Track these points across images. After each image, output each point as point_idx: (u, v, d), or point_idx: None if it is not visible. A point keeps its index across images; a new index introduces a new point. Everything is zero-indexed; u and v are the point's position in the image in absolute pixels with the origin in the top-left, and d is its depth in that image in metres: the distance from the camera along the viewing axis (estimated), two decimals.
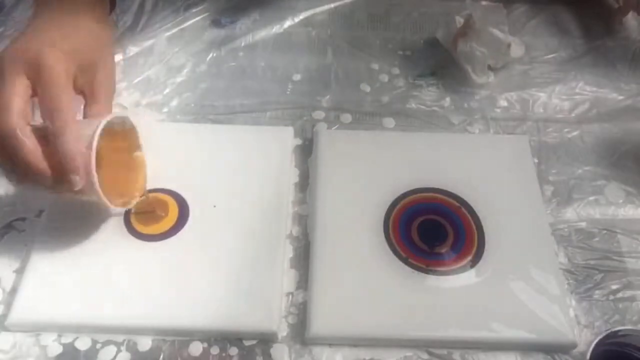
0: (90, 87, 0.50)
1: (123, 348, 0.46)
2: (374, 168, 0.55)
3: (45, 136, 0.43)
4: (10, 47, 0.47)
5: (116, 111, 0.48)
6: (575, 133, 0.61)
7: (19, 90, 0.44)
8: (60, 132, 0.43)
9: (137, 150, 0.51)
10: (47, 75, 0.44)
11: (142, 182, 0.51)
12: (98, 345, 0.46)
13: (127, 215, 0.51)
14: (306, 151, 0.58)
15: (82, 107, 0.50)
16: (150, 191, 0.52)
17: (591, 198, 0.56)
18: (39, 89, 0.44)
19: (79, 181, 0.43)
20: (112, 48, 0.57)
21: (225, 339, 0.47)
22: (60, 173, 0.43)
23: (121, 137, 0.49)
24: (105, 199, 0.45)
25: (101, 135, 0.44)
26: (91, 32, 0.51)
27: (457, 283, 0.49)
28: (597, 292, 0.50)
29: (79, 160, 0.43)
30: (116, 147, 0.49)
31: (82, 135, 0.44)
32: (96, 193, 0.44)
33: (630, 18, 0.70)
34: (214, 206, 0.52)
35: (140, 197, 0.50)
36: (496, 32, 0.62)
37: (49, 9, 0.51)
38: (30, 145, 0.43)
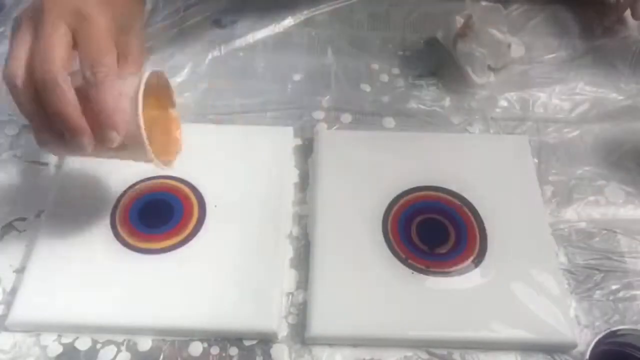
0: (125, 46, 0.48)
1: (123, 348, 0.46)
2: (374, 168, 0.55)
3: (85, 95, 0.41)
4: None
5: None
6: (575, 133, 0.61)
7: (61, 39, 0.42)
8: (101, 86, 0.41)
9: (171, 107, 0.49)
10: (90, 26, 0.42)
11: (178, 138, 0.49)
12: (98, 345, 0.46)
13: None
14: (306, 151, 0.58)
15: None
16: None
17: (591, 198, 0.56)
18: (81, 40, 0.42)
19: (116, 137, 0.41)
20: (142, 14, 0.55)
21: (225, 339, 0.47)
22: (97, 129, 0.41)
23: (155, 93, 0.47)
24: (151, 153, 0.43)
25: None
26: None
27: (458, 283, 0.49)
28: (597, 292, 0.50)
29: (119, 116, 0.41)
30: (151, 104, 0.46)
31: (124, 90, 0.42)
32: (142, 146, 0.42)
33: (629, 17, 0.70)
34: (215, 206, 0.52)
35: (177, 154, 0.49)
36: (496, 32, 0.62)
37: None
38: (72, 97, 0.40)
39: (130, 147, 0.43)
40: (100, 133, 0.41)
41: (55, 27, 0.42)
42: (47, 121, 0.41)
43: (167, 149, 0.48)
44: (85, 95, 0.41)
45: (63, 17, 0.42)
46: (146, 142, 0.42)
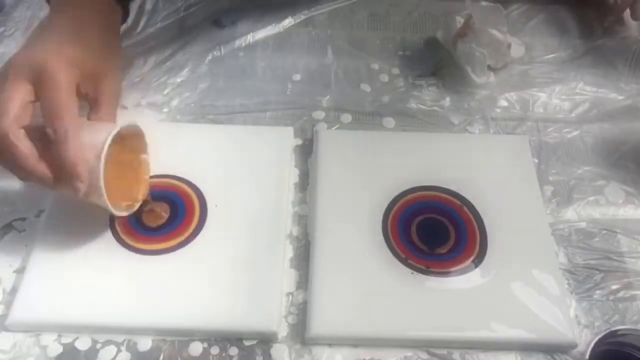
0: (94, 93, 0.50)
1: (123, 348, 0.46)
2: (374, 168, 0.55)
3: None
4: (18, 52, 0.47)
5: (127, 119, 0.48)
6: (575, 133, 0.61)
7: (18, 95, 0.44)
8: (61, 139, 0.43)
9: (143, 152, 0.51)
10: (48, 81, 0.44)
11: (146, 185, 0.51)
12: (98, 345, 0.46)
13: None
14: (306, 151, 0.58)
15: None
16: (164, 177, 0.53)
17: (591, 198, 0.56)
18: (40, 98, 0.44)
19: (81, 187, 0.44)
20: (119, 57, 0.57)
21: (225, 339, 0.47)
22: (61, 175, 0.43)
23: (128, 139, 0.49)
24: (111, 207, 0.46)
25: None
26: (99, 39, 0.51)
27: (458, 283, 0.49)
28: (597, 292, 0.50)
29: (81, 167, 0.43)
30: (121, 147, 0.48)
31: (89, 141, 0.44)
32: (103, 202, 0.45)
33: (629, 18, 0.70)
34: (215, 206, 0.52)
35: (145, 201, 0.51)
36: (495, 32, 0.62)
37: (60, 13, 0.51)
38: (24, 150, 0.43)
39: (92, 195, 0.45)
40: (65, 180, 0.44)
41: (14, 83, 0.44)
42: (13, 167, 0.44)
43: (131, 193, 0.50)
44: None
45: (24, 73, 0.44)
46: (109, 205, 0.45)
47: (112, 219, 0.51)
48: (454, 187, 0.54)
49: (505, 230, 0.52)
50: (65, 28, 0.50)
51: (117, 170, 0.48)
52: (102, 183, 0.44)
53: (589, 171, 0.58)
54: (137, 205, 0.50)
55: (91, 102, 0.51)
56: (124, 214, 0.49)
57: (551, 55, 0.68)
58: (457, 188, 0.54)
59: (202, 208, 0.52)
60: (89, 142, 0.44)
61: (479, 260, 0.50)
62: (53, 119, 0.43)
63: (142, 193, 0.51)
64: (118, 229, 0.51)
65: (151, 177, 0.53)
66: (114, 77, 0.54)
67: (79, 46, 0.48)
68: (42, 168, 0.44)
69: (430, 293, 0.48)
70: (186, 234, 0.51)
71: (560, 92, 0.64)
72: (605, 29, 0.70)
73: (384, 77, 0.65)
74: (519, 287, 0.48)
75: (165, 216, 0.51)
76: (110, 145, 0.44)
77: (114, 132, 0.45)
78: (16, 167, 0.44)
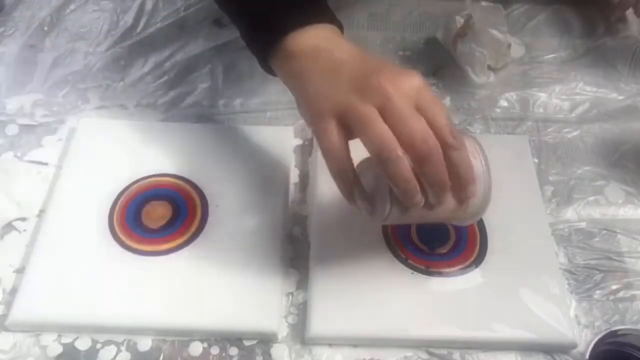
0: None
1: (123, 348, 0.46)
2: None
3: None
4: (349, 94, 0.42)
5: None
6: (575, 133, 0.61)
7: (378, 124, 0.40)
8: (461, 145, 0.41)
9: None
10: (430, 95, 0.42)
11: None
12: (98, 345, 0.46)
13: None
14: (306, 151, 0.58)
15: None
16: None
17: (591, 198, 0.56)
18: (426, 109, 0.42)
19: (476, 190, 0.43)
20: None
21: (225, 339, 0.47)
22: (456, 188, 0.42)
23: None
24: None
25: None
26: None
27: (458, 283, 0.49)
28: (597, 292, 0.50)
29: (473, 171, 0.43)
30: None
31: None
32: (486, 202, 0.45)
33: (631, 17, 0.70)
34: (217, 206, 0.52)
35: None
36: (495, 32, 0.62)
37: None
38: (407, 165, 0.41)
39: (473, 203, 0.44)
40: (460, 190, 0.43)
41: (369, 115, 0.41)
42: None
43: None
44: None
45: (371, 103, 0.41)
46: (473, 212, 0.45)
47: (112, 219, 0.51)
48: None
49: (505, 230, 0.52)
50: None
51: None
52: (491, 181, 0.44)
53: (589, 171, 0.58)
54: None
55: None
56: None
57: (551, 55, 0.68)
58: None
59: (203, 208, 0.52)
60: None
61: (479, 260, 0.50)
62: (442, 128, 0.41)
63: None
64: (117, 230, 0.51)
65: (152, 176, 0.53)
66: None
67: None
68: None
69: (430, 293, 0.48)
70: (188, 235, 0.51)
71: (560, 92, 0.64)
72: (609, 26, 0.69)
73: None
74: (519, 287, 0.48)
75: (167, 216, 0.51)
76: None
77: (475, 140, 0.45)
78: (437, 182, 0.41)
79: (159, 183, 0.54)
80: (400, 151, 0.40)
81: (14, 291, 0.48)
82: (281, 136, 0.58)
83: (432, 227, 0.52)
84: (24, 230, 0.52)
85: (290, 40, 0.44)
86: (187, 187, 0.54)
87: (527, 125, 0.61)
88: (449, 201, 0.43)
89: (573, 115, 0.62)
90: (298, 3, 0.46)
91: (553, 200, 0.56)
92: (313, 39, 0.45)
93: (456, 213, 0.45)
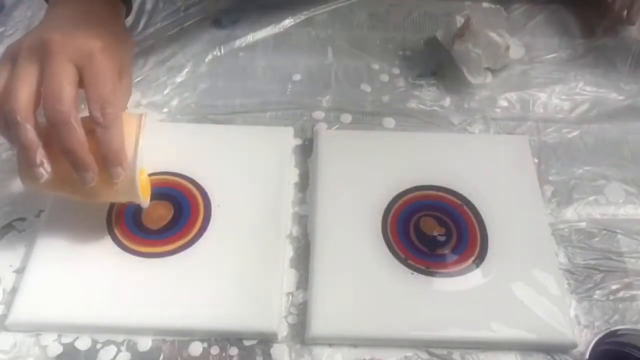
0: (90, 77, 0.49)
1: (123, 348, 0.46)
2: (373, 168, 0.55)
3: (90, 131, 0.43)
4: (53, 32, 0.44)
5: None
6: (575, 133, 0.61)
7: (70, 78, 0.43)
8: (111, 124, 0.42)
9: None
10: (97, 66, 0.43)
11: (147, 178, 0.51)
12: (98, 345, 0.46)
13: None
14: (306, 151, 0.58)
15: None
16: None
17: (591, 198, 0.56)
18: (89, 80, 0.43)
19: (122, 172, 0.43)
20: (133, 50, 0.57)
21: (225, 339, 0.47)
22: (101, 166, 0.43)
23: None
24: (141, 195, 0.46)
25: None
26: (116, 28, 0.51)
27: (458, 283, 0.49)
28: (597, 292, 0.50)
29: (124, 153, 0.43)
30: None
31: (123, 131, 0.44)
32: (135, 189, 0.45)
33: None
34: (218, 206, 0.52)
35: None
36: (494, 34, 0.61)
37: (67, 5, 0.50)
38: (82, 135, 0.42)
39: (122, 185, 0.45)
40: (106, 169, 0.43)
41: (63, 66, 0.43)
42: (47, 157, 0.43)
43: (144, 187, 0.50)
44: (90, 131, 0.43)
45: (70, 56, 0.43)
46: (140, 193, 0.46)
47: (110, 221, 0.51)
48: (454, 187, 0.54)
49: (505, 230, 0.52)
50: (79, 18, 0.48)
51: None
52: (137, 173, 0.44)
53: (589, 171, 0.58)
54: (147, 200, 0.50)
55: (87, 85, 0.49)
56: (142, 204, 0.49)
57: (551, 55, 0.68)
58: (457, 188, 0.54)
59: (206, 208, 0.52)
60: (124, 130, 0.44)
61: (479, 260, 0.50)
62: (103, 103, 0.42)
63: (146, 188, 0.50)
64: (117, 231, 0.51)
65: (154, 174, 0.53)
66: (130, 72, 0.54)
67: (111, 35, 0.47)
68: (91, 157, 0.43)
69: (431, 293, 0.48)
70: (190, 236, 0.51)
71: (560, 92, 0.64)
72: (606, 28, 0.70)
73: (384, 77, 0.65)
74: (519, 287, 0.48)
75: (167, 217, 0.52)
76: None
77: (143, 118, 0.45)
78: (69, 153, 0.42)
79: (159, 182, 0.54)
80: (27, 117, 0.41)
81: (14, 291, 0.48)
82: (281, 136, 0.58)
83: (432, 227, 0.52)
84: (24, 230, 0.52)
85: None
86: (190, 186, 0.54)
87: (527, 125, 0.61)
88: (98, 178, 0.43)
89: (573, 115, 0.62)
90: None
91: (553, 200, 0.56)
92: None
93: (104, 191, 0.45)
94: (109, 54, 0.45)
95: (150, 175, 0.53)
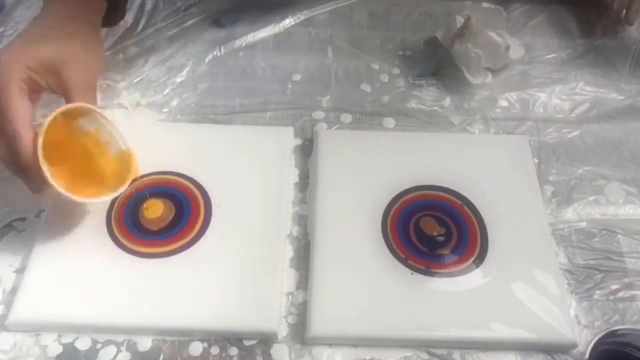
0: (59, 83, 0.50)
1: (123, 348, 0.46)
2: (374, 168, 0.55)
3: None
4: (11, 48, 0.49)
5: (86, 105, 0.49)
6: (575, 133, 0.61)
7: (23, 117, 0.46)
8: (11, 141, 0.44)
9: (122, 144, 0.51)
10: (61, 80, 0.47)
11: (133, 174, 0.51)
12: (98, 345, 0.46)
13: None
14: (306, 151, 0.58)
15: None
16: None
17: (591, 198, 0.56)
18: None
19: (31, 182, 0.47)
20: (92, 44, 0.54)
21: (225, 339, 0.47)
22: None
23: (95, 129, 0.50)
24: (66, 192, 0.46)
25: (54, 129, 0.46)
26: (60, 27, 0.52)
27: (458, 283, 0.49)
28: (597, 292, 0.50)
29: (35, 161, 0.45)
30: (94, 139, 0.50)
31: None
32: (49, 185, 0.46)
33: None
34: (219, 205, 0.52)
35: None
36: (493, 35, 0.61)
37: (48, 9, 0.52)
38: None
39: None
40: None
41: (13, 102, 0.46)
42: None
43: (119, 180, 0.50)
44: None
45: (24, 72, 0.47)
46: (57, 186, 0.46)
47: (110, 221, 0.51)
48: (454, 187, 0.54)
49: (505, 230, 0.52)
50: (36, 21, 0.52)
51: (87, 162, 0.50)
52: (45, 166, 0.45)
53: (589, 171, 0.58)
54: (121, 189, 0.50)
55: (61, 93, 0.50)
56: (105, 198, 0.49)
57: (551, 55, 0.68)
58: (457, 188, 0.54)
59: (206, 208, 0.52)
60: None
61: (479, 260, 0.50)
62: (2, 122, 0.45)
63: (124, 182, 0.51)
64: (117, 231, 0.51)
65: (154, 174, 0.53)
66: (81, 65, 0.51)
67: (31, 37, 0.49)
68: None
69: (430, 293, 0.48)
70: (190, 236, 0.51)
71: (560, 92, 0.64)
72: (605, 29, 0.70)
73: (384, 77, 0.65)
74: (519, 287, 0.48)
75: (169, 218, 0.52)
76: (69, 132, 0.47)
77: (60, 110, 0.46)
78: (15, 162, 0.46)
79: (159, 181, 0.54)
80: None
81: (14, 291, 0.48)
82: (281, 136, 0.58)
83: (432, 228, 0.52)
84: (24, 230, 0.52)
85: None
86: (190, 185, 0.54)
87: (527, 125, 0.61)
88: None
89: (573, 115, 0.62)
90: None
91: (553, 200, 0.56)
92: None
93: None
94: (12, 62, 0.47)
95: (150, 175, 0.54)
